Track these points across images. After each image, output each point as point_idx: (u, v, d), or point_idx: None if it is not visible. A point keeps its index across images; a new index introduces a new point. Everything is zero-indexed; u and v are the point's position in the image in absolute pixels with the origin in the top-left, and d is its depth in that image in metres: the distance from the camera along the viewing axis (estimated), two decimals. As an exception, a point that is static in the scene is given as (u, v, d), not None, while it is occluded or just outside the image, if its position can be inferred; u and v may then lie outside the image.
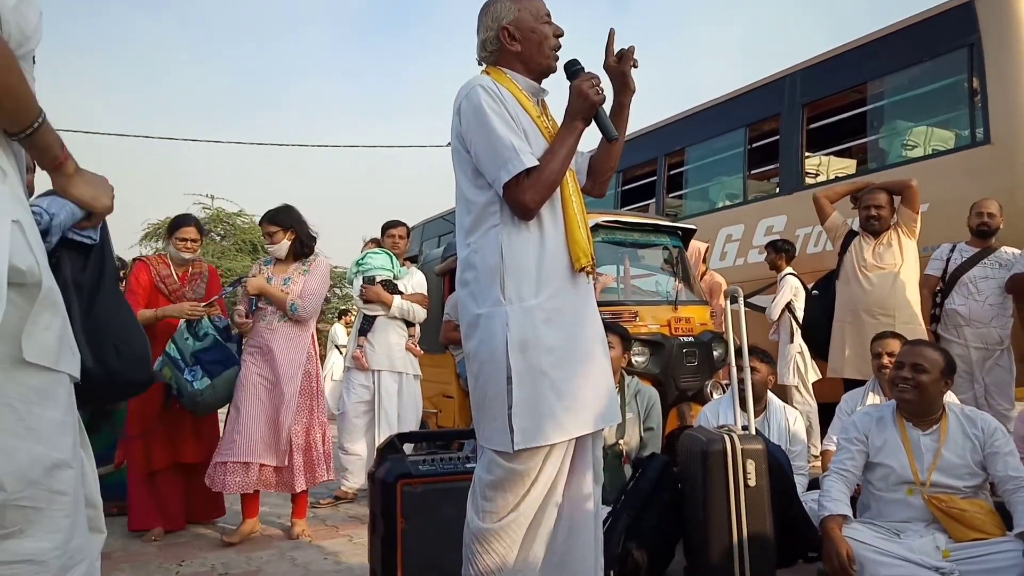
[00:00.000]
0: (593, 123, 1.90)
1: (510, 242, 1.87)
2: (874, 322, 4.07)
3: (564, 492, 1.91)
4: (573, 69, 1.92)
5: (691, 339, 4.59)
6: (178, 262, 3.98)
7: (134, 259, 4.31)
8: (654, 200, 8.04)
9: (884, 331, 3.73)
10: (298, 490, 3.67)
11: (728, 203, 7.29)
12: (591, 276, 1.97)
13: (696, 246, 5.74)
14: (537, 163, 1.82)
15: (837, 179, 6.38)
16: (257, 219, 7.35)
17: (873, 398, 3.60)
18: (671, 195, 7.99)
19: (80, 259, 1.36)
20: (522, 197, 1.82)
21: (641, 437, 3.50)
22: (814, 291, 4.76)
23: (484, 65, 2.02)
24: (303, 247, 3.88)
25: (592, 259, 1.92)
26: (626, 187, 8.44)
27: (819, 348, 4.62)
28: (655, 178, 8.02)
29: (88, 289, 1.37)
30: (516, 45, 1.97)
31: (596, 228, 4.71)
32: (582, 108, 1.85)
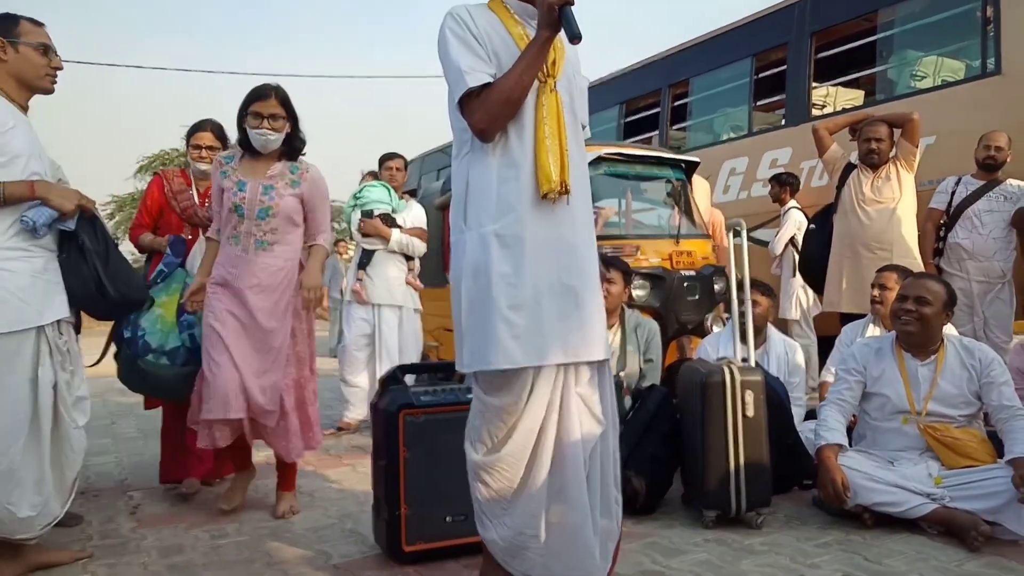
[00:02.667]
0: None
1: (475, 168, 1.84)
2: (871, 256, 4.06)
3: (562, 428, 1.83)
4: None
5: (692, 273, 4.58)
6: (198, 175, 3.39)
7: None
8: (657, 132, 7.92)
9: (887, 264, 3.73)
10: (295, 458, 3.00)
11: (733, 135, 7.17)
12: (558, 202, 1.82)
13: (703, 185, 5.67)
14: (489, 81, 1.76)
15: (844, 111, 6.26)
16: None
17: (873, 330, 3.62)
18: (675, 127, 7.86)
19: (93, 238, 2.36)
20: (470, 118, 1.79)
21: (641, 369, 3.53)
22: (811, 225, 4.73)
23: None
24: (294, 146, 2.98)
25: (560, 185, 1.79)
26: (629, 119, 8.30)
27: (816, 282, 4.62)
28: (659, 110, 7.88)
29: (102, 252, 2.37)
30: None
31: (598, 161, 4.65)
32: (542, 14, 1.74)
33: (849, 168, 4.33)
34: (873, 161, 4.17)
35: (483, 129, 1.78)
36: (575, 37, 1.73)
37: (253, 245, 2.86)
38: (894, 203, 4.10)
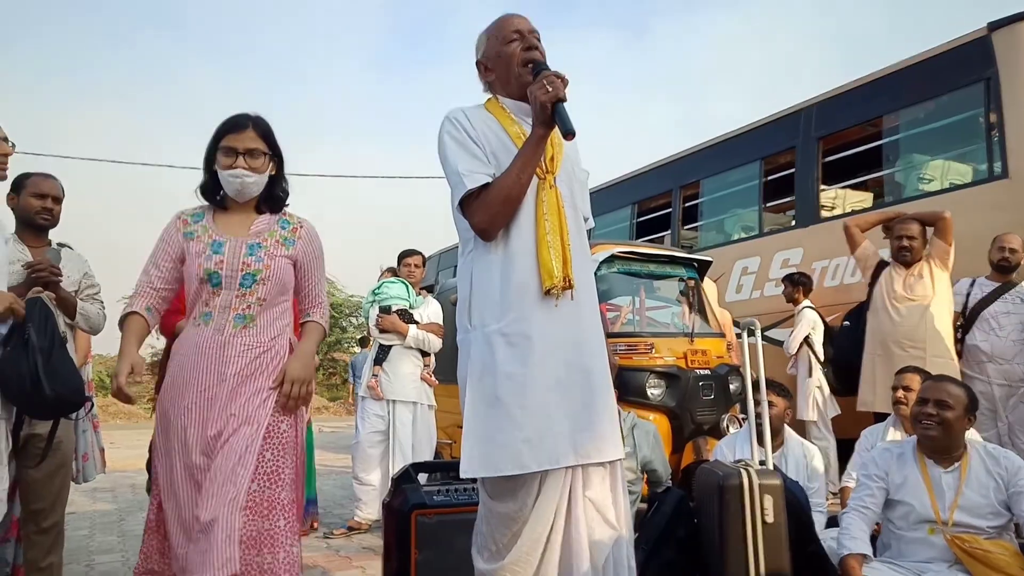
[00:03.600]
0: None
1: (478, 267, 1.84)
2: (904, 355, 4.01)
3: (571, 535, 1.77)
4: (535, 73, 1.81)
5: (707, 372, 4.56)
6: None
7: None
8: (669, 232, 8.06)
9: (907, 365, 3.70)
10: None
11: (744, 235, 7.28)
12: (562, 298, 1.80)
13: (711, 287, 5.73)
14: (488, 180, 1.78)
15: (853, 212, 6.37)
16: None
17: (894, 434, 3.55)
18: (686, 227, 8.01)
19: (41, 334, 2.33)
20: (471, 219, 1.80)
21: (646, 472, 3.46)
22: (845, 322, 4.70)
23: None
24: (275, 194, 2.30)
25: (563, 280, 1.77)
26: (641, 219, 8.47)
27: (849, 381, 4.54)
28: (670, 210, 8.04)
29: (46, 348, 2.31)
30: (491, 75, 1.97)
31: (611, 259, 4.73)
32: (536, 112, 1.75)
33: (882, 265, 4.34)
34: (905, 259, 4.19)
35: (484, 229, 1.79)
36: (568, 133, 1.73)
37: (231, 323, 2.13)
38: (927, 301, 4.09)
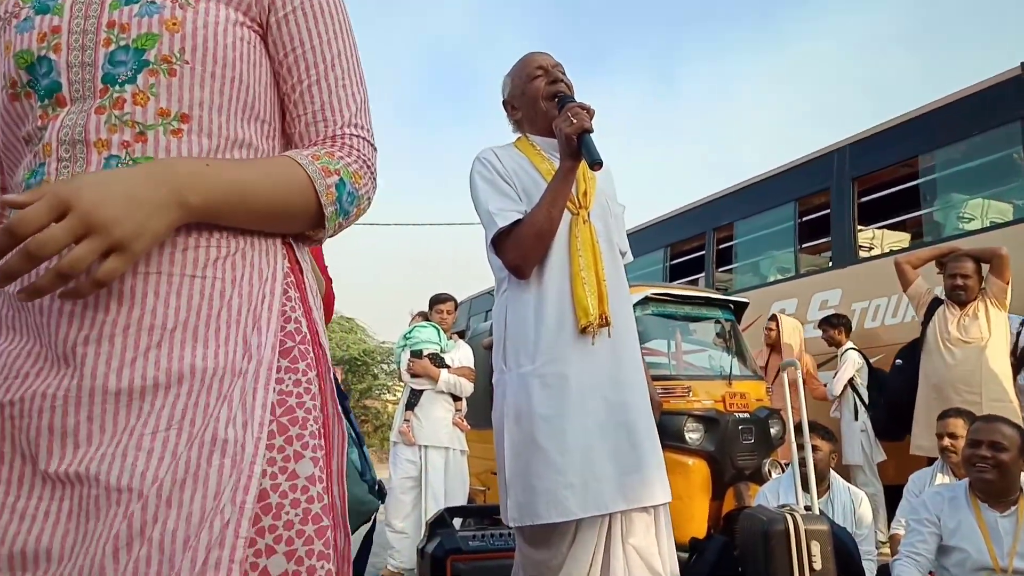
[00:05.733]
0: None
1: (512, 306, 1.80)
2: (959, 399, 3.82)
3: None
4: (560, 106, 1.78)
5: (747, 415, 4.45)
6: None
7: None
8: (703, 275, 8.00)
9: (947, 409, 3.56)
10: None
11: (780, 277, 7.20)
12: (598, 336, 1.75)
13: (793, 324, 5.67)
14: (519, 217, 1.74)
15: (892, 252, 6.26)
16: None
17: (942, 479, 3.42)
18: (720, 269, 7.94)
19: None
20: (504, 257, 1.77)
21: None
22: (897, 360, 4.52)
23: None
24: None
25: (599, 317, 1.72)
26: (674, 261, 8.43)
27: (901, 422, 4.35)
28: (703, 252, 8.00)
29: None
30: (517, 113, 1.97)
31: (645, 301, 4.69)
32: (562, 145, 1.72)
33: (936, 303, 4.19)
34: (959, 297, 4.03)
35: (517, 266, 1.76)
36: (595, 163, 1.68)
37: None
38: (982, 342, 3.91)
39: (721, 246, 7.90)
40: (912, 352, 4.32)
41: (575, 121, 1.68)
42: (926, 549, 2.68)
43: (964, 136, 5.61)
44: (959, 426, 3.34)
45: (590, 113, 1.71)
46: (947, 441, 3.38)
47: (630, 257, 2.01)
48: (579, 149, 1.69)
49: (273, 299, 0.84)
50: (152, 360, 0.75)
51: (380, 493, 1.83)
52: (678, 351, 5.26)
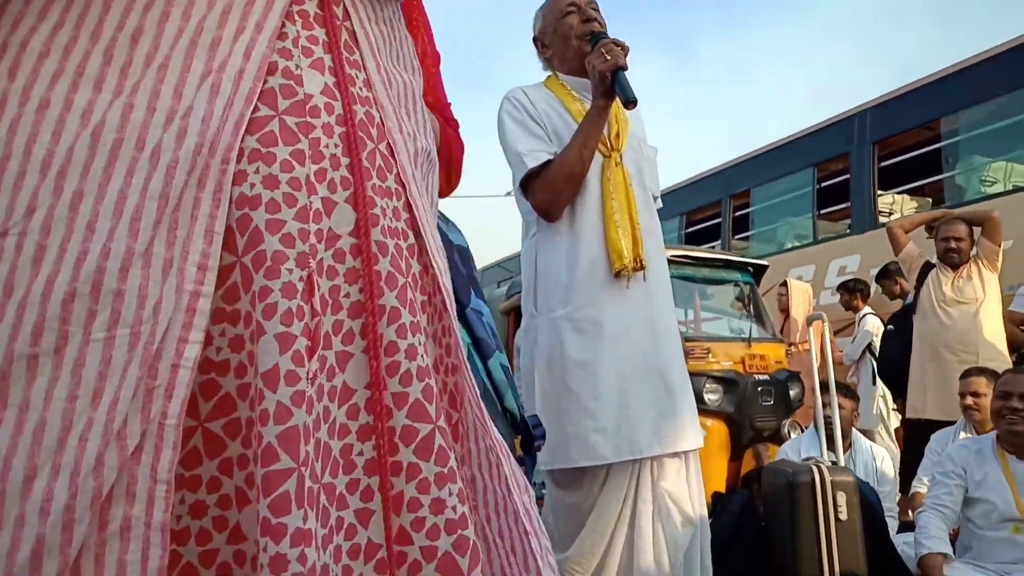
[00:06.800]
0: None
1: (543, 250, 1.76)
2: (956, 359, 3.87)
3: (640, 524, 1.68)
4: (593, 43, 1.72)
5: (766, 377, 4.45)
6: None
7: None
8: (719, 242, 7.96)
9: (970, 368, 3.56)
10: None
11: (797, 244, 7.15)
12: (633, 279, 1.71)
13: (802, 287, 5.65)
14: (549, 159, 1.70)
15: (913, 216, 6.23)
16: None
17: (965, 437, 3.42)
18: (736, 236, 7.90)
19: None
20: (532, 199, 1.73)
21: None
22: (889, 326, 4.59)
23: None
24: None
25: (634, 261, 1.68)
26: (690, 229, 8.39)
27: (897, 387, 4.42)
28: (720, 220, 7.95)
29: None
30: (548, 51, 1.90)
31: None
32: (595, 83, 1.65)
33: (927, 267, 4.23)
34: (953, 260, 4.06)
35: (547, 209, 1.72)
36: (630, 102, 1.62)
37: None
38: (977, 303, 3.95)
39: (737, 213, 7.86)
40: (903, 318, 4.35)
41: (609, 58, 1.63)
42: (952, 501, 2.68)
43: (987, 98, 5.54)
44: (982, 384, 3.33)
45: (624, 50, 1.65)
46: (970, 400, 3.37)
47: (660, 203, 1.94)
48: (612, 87, 1.64)
49: None
50: None
51: None
52: (697, 313, 5.25)
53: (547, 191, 1.71)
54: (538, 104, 1.80)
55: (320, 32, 0.61)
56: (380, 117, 0.64)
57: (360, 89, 0.63)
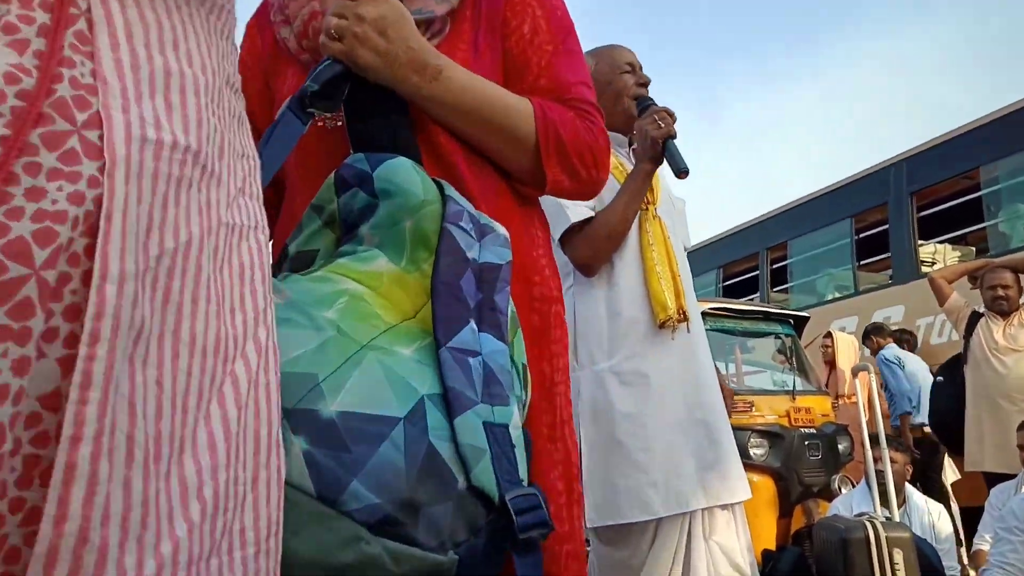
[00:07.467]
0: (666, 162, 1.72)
1: (581, 301, 1.75)
2: (1015, 408, 3.76)
3: None
4: (641, 107, 1.78)
5: (813, 431, 4.36)
6: None
7: None
8: (758, 295, 7.90)
9: None
10: None
11: (838, 295, 7.08)
12: (677, 331, 1.70)
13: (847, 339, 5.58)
14: (591, 214, 1.70)
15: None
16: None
17: (1026, 491, 3.30)
18: (775, 289, 7.84)
19: None
20: (573, 253, 1.72)
21: None
22: (938, 377, 4.48)
23: None
24: None
25: (678, 312, 1.68)
26: (727, 282, 8.35)
27: (950, 439, 4.29)
28: (757, 272, 7.91)
29: None
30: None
31: (703, 316, 4.64)
32: (645, 147, 1.70)
33: (975, 317, 4.15)
34: (1002, 308, 3.99)
35: (587, 264, 1.72)
36: (682, 171, 1.66)
37: None
38: None
39: (775, 265, 7.82)
40: (952, 369, 4.26)
41: (662, 126, 1.68)
42: (1017, 559, 2.57)
43: (1024, 146, 5.50)
44: (1042, 436, 3.24)
45: (673, 119, 1.71)
46: None
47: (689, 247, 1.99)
48: (662, 153, 1.69)
49: None
50: None
51: None
52: (739, 366, 5.19)
53: (589, 247, 1.72)
54: None
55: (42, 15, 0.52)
56: (103, 103, 0.53)
57: (79, 73, 0.53)
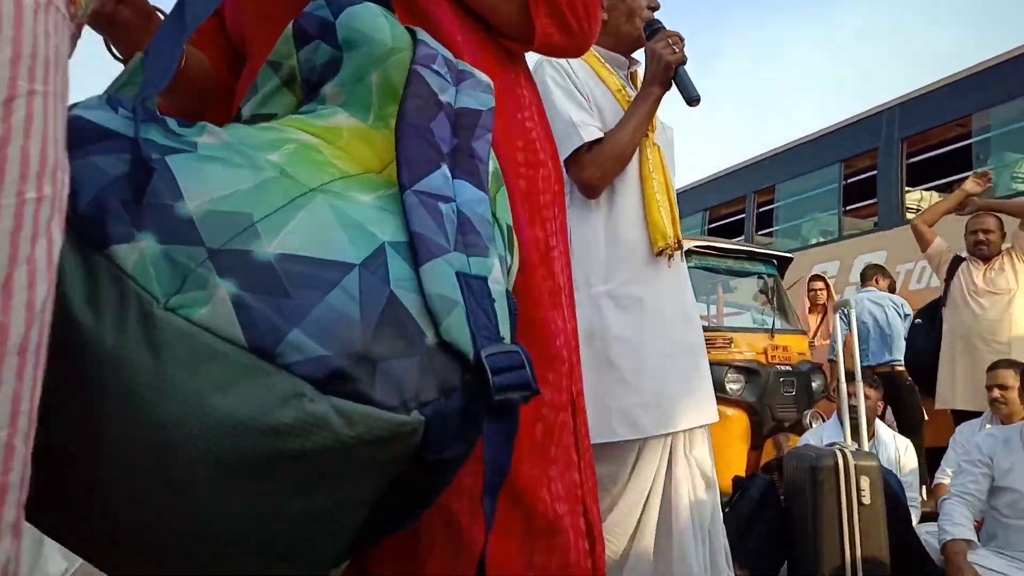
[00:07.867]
0: (674, 86, 1.69)
1: (578, 224, 1.73)
2: (987, 349, 3.83)
3: (673, 497, 1.72)
4: (651, 30, 1.74)
5: (788, 368, 4.43)
6: None
7: None
8: (743, 237, 7.92)
9: (997, 360, 3.51)
10: None
11: (822, 240, 7.10)
12: (672, 259, 1.74)
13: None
14: (601, 136, 1.69)
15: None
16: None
17: (991, 429, 3.38)
18: (760, 232, 7.85)
19: None
20: (582, 174, 1.71)
21: None
22: (917, 320, 4.54)
23: None
24: None
25: (675, 241, 1.70)
26: (713, 224, 8.35)
27: (925, 380, 4.37)
28: (743, 216, 7.91)
29: None
30: (603, 14, 1.91)
31: (688, 254, 4.65)
32: (657, 71, 1.67)
33: (956, 261, 4.17)
34: (982, 253, 4.01)
35: (594, 185, 1.71)
36: (693, 99, 1.64)
37: None
38: (1010, 294, 3.90)
39: (761, 209, 7.81)
40: (931, 312, 4.30)
41: (676, 51, 1.65)
42: (977, 489, 2.65)
43: (1019, 94, 5.45)
44: (1009, 377, 3.29)
45: (683, 44, 1.68)
46: (997, 392, 3.33)
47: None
48: (670, 79, 1.67)
49: None
50: None
51: None
52: (720, 304, 5.23)
53: (598, 168, 1.70)
54: (580, 73, 1.78)
55: None
56: None
57: None
